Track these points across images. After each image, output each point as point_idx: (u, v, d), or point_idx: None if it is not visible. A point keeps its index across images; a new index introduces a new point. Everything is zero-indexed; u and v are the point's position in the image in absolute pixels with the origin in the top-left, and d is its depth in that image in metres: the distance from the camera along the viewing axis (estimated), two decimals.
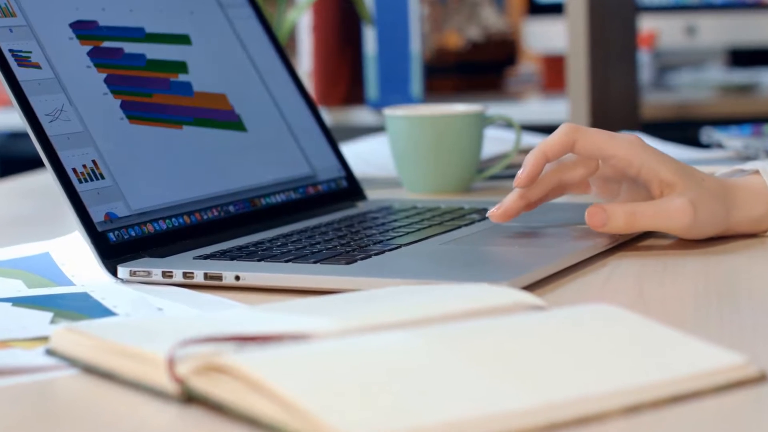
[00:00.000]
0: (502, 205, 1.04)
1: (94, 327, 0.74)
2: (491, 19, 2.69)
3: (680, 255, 1.00)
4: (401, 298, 0.79)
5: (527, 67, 3.09)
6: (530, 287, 0.89)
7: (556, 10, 2.82)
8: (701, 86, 2.79)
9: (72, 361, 0.72)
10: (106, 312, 0.86)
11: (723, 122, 2.20)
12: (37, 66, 1.01)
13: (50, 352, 0.74)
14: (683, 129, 2.43)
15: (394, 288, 0.83)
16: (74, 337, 0.73)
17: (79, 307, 0.88)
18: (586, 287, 0.92)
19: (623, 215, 0.99)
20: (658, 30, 2.91)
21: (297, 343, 0.67)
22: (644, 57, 2.81)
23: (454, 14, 2.66)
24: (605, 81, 2.06)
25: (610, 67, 2.10)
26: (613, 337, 0.70)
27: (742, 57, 3.01)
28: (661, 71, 2.97)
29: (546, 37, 2.84)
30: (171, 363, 0.65)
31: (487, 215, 1.05)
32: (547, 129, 1.90)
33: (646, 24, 2.85)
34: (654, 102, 2.58)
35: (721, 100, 2.62)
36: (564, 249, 0.98)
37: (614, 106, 2.11)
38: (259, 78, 1.22)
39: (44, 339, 0.78)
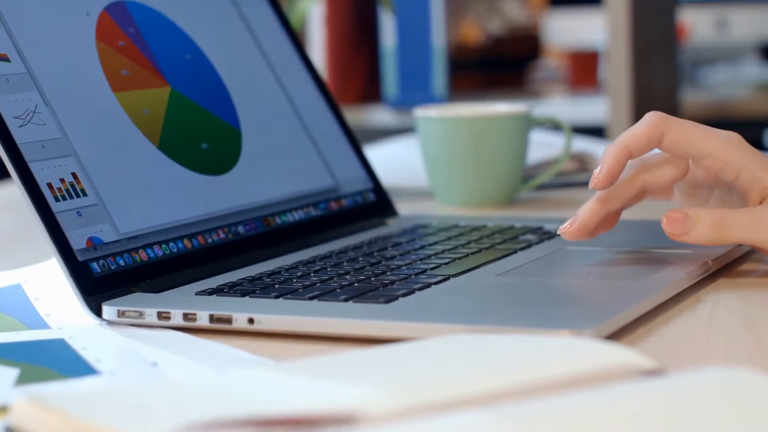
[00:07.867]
0: (577, 219, 0.86)
1: (66, 399, 0.57)
2: (513, 12, 2.53)
3: None
4: (465, 355, 0.63)
5: (550, 62, 2.92)
6: (616, 333, 0.71)
7: (579, 1, 2.69)
8: (737, 83, 2.63)
9: None
10: (85, 368, 0.68)
11: (765, 122, 2.05)
12: (5, 59, 0.83)
13: (11, 431, 0.57)
14: (723, 129, 2.26)
15: (452, 337, 0.66)
16: (40, 413, 0.56)
17: (53, 360, 0.70)
18: (686, 334, 0.74)
19: (710, 222, 0.82)
20: (689, 24, 2.77)
21: (338, 430, 0.50)
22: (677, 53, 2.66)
23: (474, 6, 2.50)
24: (647, 78, 1.91)
25: (650, 63, 1.94)
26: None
27: None
28: (692, 67, 2.81)
29: (570, 31, 2.71)
30: None
31: (558, 232, 0.87)
32: (577, 130, 1.76)
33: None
34: (689, 100, 2.41)
35: (763, 98, 2.45)
36: (651, 282, 0.80)
37: (656, 106, 1.94)
38: (271, 72, 1.05)
39: (5, 409, 0.61)
